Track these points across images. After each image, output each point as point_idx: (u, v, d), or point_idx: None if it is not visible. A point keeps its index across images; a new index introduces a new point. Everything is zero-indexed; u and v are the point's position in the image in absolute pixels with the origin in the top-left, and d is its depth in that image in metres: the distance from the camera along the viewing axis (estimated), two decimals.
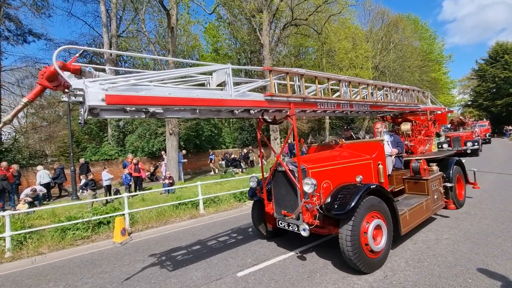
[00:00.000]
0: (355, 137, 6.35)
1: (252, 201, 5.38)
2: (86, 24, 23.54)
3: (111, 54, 18.76)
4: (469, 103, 55.38)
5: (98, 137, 18.66)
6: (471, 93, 56.14)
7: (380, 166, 4.69)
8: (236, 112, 3.94)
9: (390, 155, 5.27)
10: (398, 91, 6.43)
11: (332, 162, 4.38)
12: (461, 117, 22.85)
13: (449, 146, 16.58)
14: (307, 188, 3.71)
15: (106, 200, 10.22)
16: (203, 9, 16.09)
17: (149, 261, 4.96)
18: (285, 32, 21.95)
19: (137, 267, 4.76)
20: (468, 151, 15.87)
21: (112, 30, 20.29)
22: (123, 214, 6.95)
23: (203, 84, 3.96)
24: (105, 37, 19.64)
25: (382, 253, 3.82)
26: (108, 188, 11.41)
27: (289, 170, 4.16)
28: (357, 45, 25.86)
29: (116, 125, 18.65)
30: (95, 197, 9.66)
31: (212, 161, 18.21)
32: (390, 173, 5.14)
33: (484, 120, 33.98)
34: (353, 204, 3.52)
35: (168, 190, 10.97)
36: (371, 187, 3.85)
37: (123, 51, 20.39)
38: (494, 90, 48.39)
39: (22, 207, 8.89)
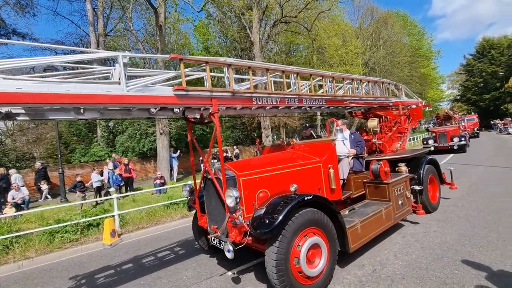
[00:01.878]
0: (315, 136, 5.55)
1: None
2: (73, 23, 23.04)
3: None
4: (458, 97, 56.53)
5: (87, 138, 18.32)
6: (460, 87, 57.30)
7: (331, 170, 4.02)
8: (133, 110, 3.29)
9: (347, 156, 4.67)
10: (364, 83, 5.92)
11: (270, 167, 3.70)
12: (447, 111, 21.89)
13: (435, 142, 15.92)
14: (229, 202, 3.11)
15: (96, 201, 10.06)
16: (191, 6, 15.89)
17: (138, 262, 4.90)
18: (275, 30, 21.88)
19: (127, 268, 4.69)
20: (455, 147, 15.10)
21: (99, 29, 19.87)
22: (113, 216, 6.85)
23: (107, 78, 3.25)
24: (92, 36, 19.23)
25: (321, 277, 3.22)
26: (98, 190, 11.23)
27: (216, 178, 3.54)
28: (347, 41, 26.00)
29: (106, 125, 18.35)
30: (85, 199, 9.49)
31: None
32: (345, 177, 4.54)
33: (472, 114, 34.66)
34: (278, 220, 2.87)
35: (160, 190, 10.86)
36: (306, 198, 3.15)
37: (111, 50, 20.00)
38: (481, 84, 49.48)
39: (9, 211, 8.66)
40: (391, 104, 6.70)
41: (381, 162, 4.48)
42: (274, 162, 3.93)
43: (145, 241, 6.12)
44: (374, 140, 6.18)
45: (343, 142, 4.64)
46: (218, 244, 3.58)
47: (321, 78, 4.88)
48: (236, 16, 21.83)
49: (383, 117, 6.81)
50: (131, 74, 3.27)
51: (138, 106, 3.18)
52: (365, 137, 6.40)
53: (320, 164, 4.07)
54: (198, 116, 4.04)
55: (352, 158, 4.73)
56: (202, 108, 3.77)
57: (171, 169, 14.99)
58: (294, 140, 4.78)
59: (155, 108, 3.40)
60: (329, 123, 4.80)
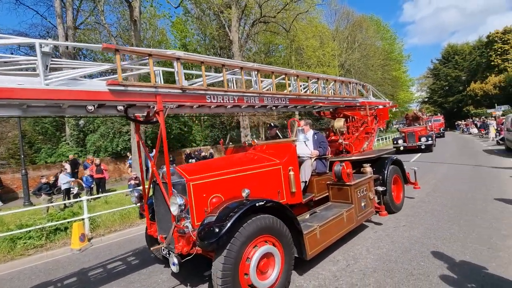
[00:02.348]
0: (281, 137, 5.27)
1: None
2: (38, 14, 21.52)
3: (67, 47, 17.35)
4: (426, 99, 60.16)
5: (54, 137, 17.23)
6: (427, 90, 61.02)
7: (291, 173, 3.80)
8: (65, 107, 2.87)
9: (310, 158, 4.49)
10: (331, 83, 5.81)
11: (225, 170, 3.42)
12: (415, 112, 22.62)
13: (404, 141, 16.50)
14: (173, 209, 2.88)
15: (64, 204, 9.49)
16: (167, 2, 15.48)
17: (110, 267, 4.68)
18: (255, 29, 21.93)
19: (97, 273, 4.46)
20: (422, 147, 15.78)
21: (68, 22, 18.74)
22: (83, 219, 6.49)
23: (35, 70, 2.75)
24: (60, 28, 18.10)
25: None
26: (67, 192, 10.59)
27: (163, 183, 3.28)
28: (324, 43, 26.67)
29: (75, 124, 17.37)
30: (51, 202, 8.91)
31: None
32: (307, 180, 4.32)
33: (439, 115, 36.96)
34: (225, 230, 2.60)
35: (134, 191, 10.45)
36: (257, 204, 2.91)
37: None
38: (447, 87, 53.01)
39: None
40: (358, 104, 6.62)
41: (344, 164, 4.31)
42: (230, 165, 3.65)
43: (118, 245, 5.86)
44: (340, 141, 6.10)
45: (305, 143, 4.46)
46: (168, 255, 3.19)
47: (284, 76, 4.62)
48: (215, 14, 21.59)
49: (350, 117, 6.73)
50: (58, 66, 2.88)
51: (66, 102, 2.73)
52: (332, 137, 6.38)
53: (280, 166, 3.83)
54: (134, 116, 3.61)
55: (315, 159, 4.52)
56: (151, 106, 3.33)
57: (147, 169, 14.51)
58: (255, 140, 4.50)
59: (93, 105, 3.00)
60: (290, 123, 4.37)
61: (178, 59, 3.27)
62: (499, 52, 42.99)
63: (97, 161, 12.14)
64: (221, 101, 3.69)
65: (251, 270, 2.79)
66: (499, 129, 17.95)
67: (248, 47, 25.76)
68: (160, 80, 3.51)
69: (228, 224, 2.65)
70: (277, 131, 5.32)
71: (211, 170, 3.42)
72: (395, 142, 17.15)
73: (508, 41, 42.38)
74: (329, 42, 27.62)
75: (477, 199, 6.02)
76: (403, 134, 17.06)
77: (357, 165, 5.26)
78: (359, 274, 3.47)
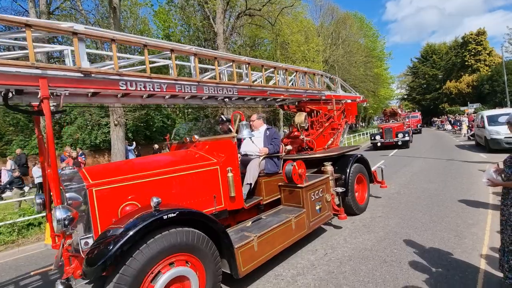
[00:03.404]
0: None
1: None
2: None
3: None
4: (405, 96, 62.36)
5: (27, 129, 16.34)
6: (407, 87, 63.24)
7: (230, 174, 3.24)
8: None
9: (258, 156, 3.94)
10: (293, 74, 5.35)
11: (144, 172, 2.84)
12: (393, 108, 22.46)
13: (382, 137, 16.44)
14: (54, 225, 2.20)
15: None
16: None
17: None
18: (240, 22, 21.67)
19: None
20: (399, 143, 15.85)
21: (41, 6, 17.64)
22: None
23: None
24: (32, 13, 16.99)
25: None
26: (41, 186, 10.13)
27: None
28: (309, 39, 26.84)
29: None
30: (23, 196, 8.50)
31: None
32: (252, 182, 3.72)
33: (416, 111, 38.41)
34: (111, 253, 2.02)
35: None
36: (166, 217, 2.28)
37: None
38: (424, 85, 55.20)
39: None
40: (323, 97, 6.14)
41: (295, 163, 3.82)
42: (154, 165, 3.10)
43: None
44: (302, 137, 5.64)
45: (251, 139, 3.95)
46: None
47: (231, 63, 4.06)
48: (199, 4, 21.10)
49: (315, 111, 6.17)
50: None
51: None
52: (295, 133, 5.93)
53: (217, 166, 3.28)
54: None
55: (263, 158, 3.97)
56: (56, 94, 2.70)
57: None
58: (196, 136, 3.82)
59: None
60: (233, 116, 3.76)
61: (75, 33, 2.64)
62: (472, 53, 45.21)
63: (74, 154, 11.68)
64: (143, 89, 3.06)
65: None
66: (470, 126, 18.93)
67: (233, 40, 25.46)
68: (31, 57, 2.46)
69: (119, 244, 2.03)
70: (230, 126, 4.64)
71: (126, 172, 2.80)
72: (372, 138, 17.15)
73: (481, 42, 44.63)
74: (314, 37, 27.83)
75: (448, 191, 6.36)
76: (381, 130, 17.00)
77: (319, 164, 4.97)
78: (336, 262, 3.59)
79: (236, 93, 4.07)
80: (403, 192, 6.64)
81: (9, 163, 11.16)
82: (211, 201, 3.23)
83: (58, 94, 2.67)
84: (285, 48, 25.88)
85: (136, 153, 14.93)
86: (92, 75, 2.74)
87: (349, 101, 7.23)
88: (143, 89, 3.09)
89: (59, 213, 2.16)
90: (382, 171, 6.54)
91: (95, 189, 2.49)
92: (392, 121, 19.13)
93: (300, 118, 5.59)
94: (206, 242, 2.60)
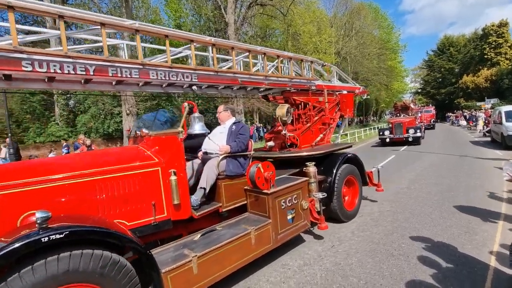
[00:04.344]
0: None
1: None
2: None
3: (55, 21, 16.62)
4: (419, 90, 60.75)
5: (43, 117, 16.86)
6: (421, 81, 61.52)
7: (173, 178, 2.69)
8: None
9: (217, 155, 3.37)
10: (275, 61, 4.76)
11: (58, 175, 2.26)
12: (404, 101, 21.15)
13: (391, 133, 15.27)
14: None
15: None
16: None
17: None
18: (251, 12, 21.40)
19: None
20: (410, 139, 14.55)
21: None
22: None
23: None
24: (47, 2, 17.26)
25: None
26: None
27: None
28: (322, 29, 26.31)
29: (65, 104, 17.01)
30: None
31: None
32: (207, 186, 3.17)
33: (430, 106, 37.33)
34: None
35: None
36: (45, 239, 1.72)
37: None
38: (440, 79, 53.55)
39: None
40: (313, 87, 5.39)
41: (260, 165, 3.24)
42: (76, 166, 2.46)
43: None
44: (284, 132, 4.87)
45: (206, 136, 3.52)
46: None
47: (189, 43, 3.50)
48: None
49: (302, 103, 5.40)
50: None
51: None
52: (279, 128, 5.13)
53: (159, 168, 2.72)
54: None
55: (226, 158, 3.38)
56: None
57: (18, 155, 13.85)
58: (144, 130, 3.07)
59: None
60: (184, 106, 3.07)
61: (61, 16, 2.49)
62: (493, 46, 43.29)
63: (88, 141, 12.00)
64: (59, 71, 2.50)
65: None
66: (486, 121, 18.34)
67: (244, 30, 25.21)
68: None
69: None
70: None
71: (34, 173, 2.23)
72: (381, 133, 16.06)
73: (502, 35, 42.66)
74: (326, 28, 27.26)
75: (460, 187, 6.26)
76: (390, 125, 15.82)
77: (301, 164, 4.35)
78: (343, 254, 3.63)
79: (196, 79, 3.48)
80: (413, 187, 6.58)
81: (3, 151, 11.03)
82: (149, 211, 2.65)
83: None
84: (297, 39, 25.49)
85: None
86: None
87: (344, 92, 6.34)
88: (59, 70, 2.51)
89: None
90: (378, 172, 5.66)
91: None
92: (404, 116, 18.07)
93: (281, 110, 4.82)
94: (119, 268, 2.00)
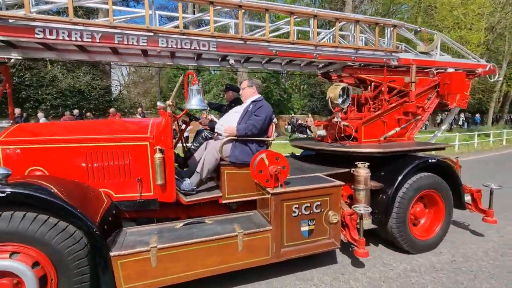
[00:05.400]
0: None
1: None
2: None
3: None
4: None
5: (181, 94, 21.06)
6: None
7: (157, 156, 2.51)
8: None
9: (219, 135, 3.06)
10: (332, 29, 3.84)
11: (56, 137, 2.51)
12: None
13: None
14: None
15: None
16: None
17: None
18: None
19: None
20: None
21: None
22: None
23: None
24: None
25: None
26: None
27: None
28: None
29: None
30: None
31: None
32: (200, 171, 2.89)
33: None
34: None
35: None
36: None
37: None
38: None
39: None
40: (394, 62, 4.10)
41: (264, 155, 2.62)
42: (77, 131, 2.72)
43: None
44: (336, 119, 3.79)
45: (208, 112, 3.09)
46: None
47: (289, 16, 3.31)
48: None
49: (371, 84, 4.21)
50: None
51: None
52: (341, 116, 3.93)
53: (147, 143, 2.59)
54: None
55: (234, 141, 2.92)
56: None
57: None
58: (159, 103, 2.82)
59: None
60: (186, 79, 2.99)
61: None
62: None
63: (210, 117, 14.30)
64: (66, 38, 2.63)
65: None
66: None
67: (363, 9, 22.92)
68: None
69: None
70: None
71: (41, 133, 2.59)
72: None
73: None
74: None
75: None
76: None
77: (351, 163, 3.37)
78: (468, 273, 3.07)
79: (214, 48, 3.08)
80: None
81: (209, 117, 14.16)
82: (133, 186, 2.60)
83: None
84: (430, 14, 21.20)
85: None
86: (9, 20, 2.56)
87: (451, 69, 4.41)
88: (67, 37, 2.67)
89: None
90: (492, 193, 3.77)
91: (1, 147, 2.37)
92: None
93: (334, 91, 3.68)
94: (62, 236, 1.96)
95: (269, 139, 3.09)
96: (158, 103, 2.63)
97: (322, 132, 4.05)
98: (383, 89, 4.06)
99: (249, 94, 3.20)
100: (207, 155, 2.88)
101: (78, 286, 2.00)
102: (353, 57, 3.80)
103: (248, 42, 3.26)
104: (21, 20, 2.53)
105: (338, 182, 2.85)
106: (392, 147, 3.57)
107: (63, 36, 2.63)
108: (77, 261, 1.98)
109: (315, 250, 2.82)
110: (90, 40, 2.72)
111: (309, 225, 2.75)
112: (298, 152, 4.38)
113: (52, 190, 2.02)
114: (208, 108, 3.19)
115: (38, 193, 1.92)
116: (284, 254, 2.66)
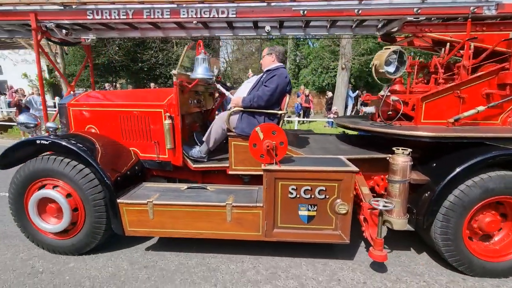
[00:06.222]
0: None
1: None
2: None
3: None
4: None
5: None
6: None
7: (166, 122, 2.77)
8: None
9: (229, 109, 2.94)
10: None
11: (104, 102, 3.30)
12: None
13: None
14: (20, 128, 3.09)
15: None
16: None
17: None
18: None
19: None
20: None
21: None
22: None
23: None
24: None
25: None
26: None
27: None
28: None
29: (293, 59, 20.11)
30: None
31: None
32: (206, 140, 2.95)
33: None
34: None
35: (332, 123, 11.27)
36: (39, 142, 2.65)
37: None
38: None
39: None
40: (491, 11, 2.71)
41: (258, 127, 2.39)
42: (116, 98, 3.41)
43: None
44: (382, 93, 3.02)
45: (214, 80, 3.24)
46: None
47: None
48: None
49: (446, 47, 2.92)
50: None
51: None
52: (394, 88, 3.10)
53: (161, 110, 2.87)
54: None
55: (242, 113, 2.80)
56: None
57: (346, 107, 14.76)
58: (174, 71, 2.84)
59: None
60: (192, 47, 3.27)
61: None
62: None
63: (307, 91, 13.92)
64: (108, 17, 3.05)
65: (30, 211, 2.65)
66: None
67: None
68: None
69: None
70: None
71: (98, 99, 3.40)
72: None
73: None
74: None
75: None
76: None
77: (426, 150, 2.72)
78: None
79: (234, 15, 2.95)
80: None
81: (306, 92, 13.84)
82: (152, 147, 2.97)
83: (42, 26, 3.26)
84: None
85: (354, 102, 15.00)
86: (68, 6, 3.07)
87: None
88: (108, 17, 3.09)
89: (21, 118, 2.91)
90: None
91: (71, 108, 3.12)
92: None
93: (381, 56, 2.83)
94: (80, 173, 2.54)
95: (280, 112, 2.86)
96: (172, 72, 2.80)
97: (369, 108, 3.35)
98: (462, 51, 2.83)
99: (268, 62, 2.98)
100: (214, 125, 2.97)
101: (97, 220, 2.56)
102: (415, 9, 2.79)
103: (273, 4, 2.95)
104: (77, 5, 3.07)
105: (350, 168, 2.38)
106: (467, 132, 2.53)
107: (105, 16, 3.06)
108: (96, 201, 2.53)
109: (316, 239, 2.58)
110: (124, 17, 3.06)
111: (309, 210, 2.50)
112: (352, 132, 3.67)
113: (83, 145, 2.60)
114: (214, 77, 3.26)
115: (64, 143, 2.54)
116: (276, 234, 2.56)
